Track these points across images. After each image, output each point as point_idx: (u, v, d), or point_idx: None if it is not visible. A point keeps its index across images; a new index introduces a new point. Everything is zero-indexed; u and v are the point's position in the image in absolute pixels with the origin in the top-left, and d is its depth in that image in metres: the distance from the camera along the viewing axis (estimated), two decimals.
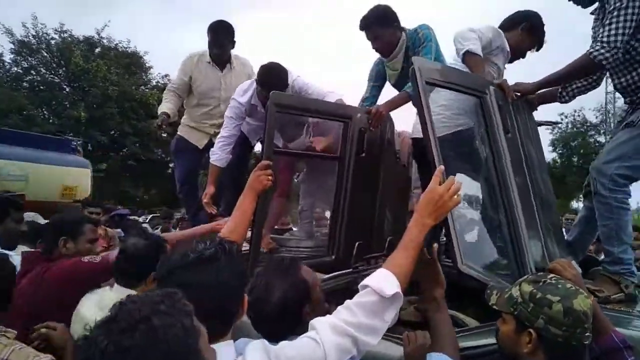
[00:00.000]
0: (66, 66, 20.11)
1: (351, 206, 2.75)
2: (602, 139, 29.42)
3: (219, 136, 3.19)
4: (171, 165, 24.65)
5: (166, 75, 23.54)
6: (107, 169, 19.32)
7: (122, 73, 20.95)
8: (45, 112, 20.05)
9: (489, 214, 2.32)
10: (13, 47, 19.14)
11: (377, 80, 3.20)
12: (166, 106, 3.64)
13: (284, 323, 1.34)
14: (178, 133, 3.86)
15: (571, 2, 2.39)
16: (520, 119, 2.45)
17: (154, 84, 23.03)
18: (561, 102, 2.65)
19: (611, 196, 2.14)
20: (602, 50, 2.10)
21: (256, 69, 3.15)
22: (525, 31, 2.65)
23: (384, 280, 1.28)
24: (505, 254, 2.07)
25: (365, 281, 1.28)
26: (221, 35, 3.58)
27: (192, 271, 1.07)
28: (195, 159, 3.81)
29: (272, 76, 2.89)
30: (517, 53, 2.70)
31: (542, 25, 2.69)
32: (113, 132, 20.64)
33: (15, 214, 2.64)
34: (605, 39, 2.10)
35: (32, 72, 20.15)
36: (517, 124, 2.37)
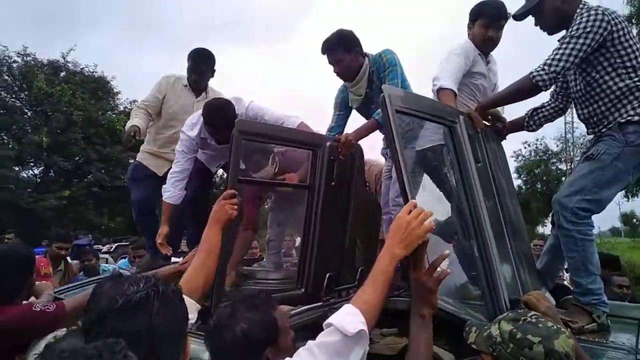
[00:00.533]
0: (28, 90, 19.50)
1: (321, 236, 2.66)
2: (562, 166, 30.74)
3: (170, 172, 3.08)
4: None
5: (134, 101, 23.19)
6: (70, 196, 18.59)
7: (88, 98, 20.45)
8: (4, 137, 19.25)
9: (461, 243, 2.28)
10: None
11: (343, 108, 3.19)
12: (136, 120, 3.51)
13: (240, 358, 1.27)
14: (137, 159, 3.73)
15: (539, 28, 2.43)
16: (489, 148, 2.45)
17: (122, 109, 22.57)
18: (529, 131, 2.68)
19: (574, 229, 2.13)
20: (542, 73, 2.14)
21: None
22: (483, 27, 2.73)
23: (347, 318, 1.21)
24: (479, 286, 2.01)
25: (329, 319, 1.21)
26: (202, 63, 3.57)
27: (121, 318, 0.95)
28: (152, 187, 3.61)
29: (216, 115, 2.80)
30: (488, 45, 2.79)
31: (491, 7, 2.73)
32: (77, 158, 19.96)
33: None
34: (548, 62, 2.14)
35: None
36: (487, 153, 2.37)
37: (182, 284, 1.95)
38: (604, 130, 2.22)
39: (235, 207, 2.08)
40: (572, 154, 29.78)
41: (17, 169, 18.49)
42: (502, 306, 1.91)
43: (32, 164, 20.04)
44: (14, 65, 19.37)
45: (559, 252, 2.46)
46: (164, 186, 3.07)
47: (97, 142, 19.93)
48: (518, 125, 2.68)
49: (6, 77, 19.31)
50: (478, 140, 2.32)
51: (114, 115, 21.22)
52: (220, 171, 3.77)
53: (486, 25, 2.72)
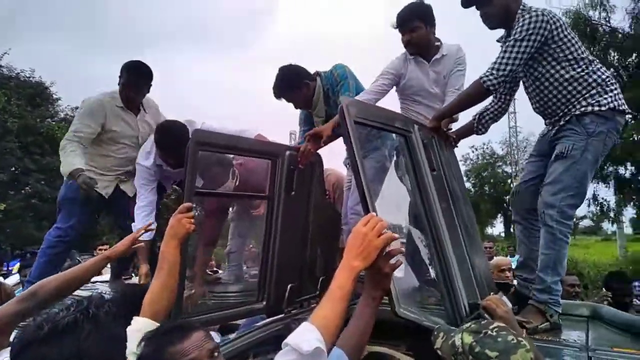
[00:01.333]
0: None
1: (281, 247, 2.63)
2: (508, 169, 32.35)
3: (136, 207, 2.95)
4: None
5: (76, 108, 22.04)
6: (6, 210, 17.34)
7: (24, 104, 19.23)
8: None
9: (419, 251, 2.33)
10: None
11: (307, 124, 3.22)
12: (78, 161, 3.01)
13: None
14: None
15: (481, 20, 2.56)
16: (442, 155, 2.53)
17: (62, 116, 21.41)
18: (478, 134, 2.81)
19: (557, 228, 2.27)
20: (491, 77, 2.29)
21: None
22: (430, 27, 2.85)
23: (303, 336, 1.19)
24: (438, 292, 2.06)
25: (287, 339, 1.19)
26: (140, 79, 3.24)
27: (48, 345, 0.90)
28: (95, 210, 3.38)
29: (168, 138, 2.81)
30: (410, 49, 2.90)
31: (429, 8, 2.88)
32: (14, 168, 18.68)
33: None
34: (496, 66, 2.29)
35: None
36: (441, 161, 2.44)
37: (145, 307, 1.85)
38: (561, 122, 2.38)
39: (192, 220, 2.02)
40: (516, 156, 31.47)
41: None
42: (461, 311, 1.97)
43: None
44: None
45: (531, 239, 2.60)
46: (133, 224, 2.90)
47: (35, 152, 18.76)
48: (468, 130, 2.81)
49: None
50: (432, 148, 2.39)
51: (53, 123, 20.07)
52: None
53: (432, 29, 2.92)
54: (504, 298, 1.95)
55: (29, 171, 18.47)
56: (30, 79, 20.46)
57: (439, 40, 2.93)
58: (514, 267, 3.33)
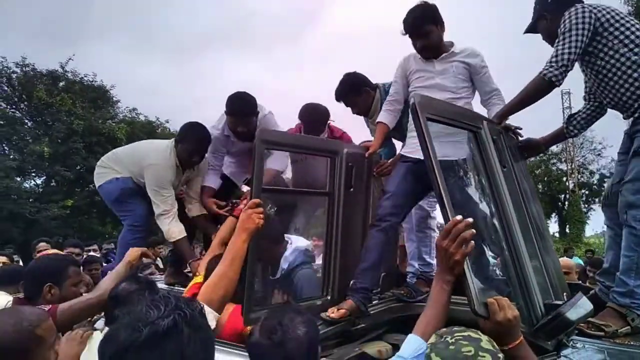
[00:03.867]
0: (28, 100, 19.51)
1: (343, 242, 2.64)
2: (563, 166, 30.84)
3: (207, 171, 3.25)
4: None
5: (134, 109, 23.22)
6: (73, 206, 18.54)
7: (88, 107, 20.46)
8: (5, 147, 19.22)
9: (492, 249, 2.26)
10: None
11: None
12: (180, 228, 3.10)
13: None
14: (123, 175, 3.17)
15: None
16: (510, 152, 2.44)
17: (121, 117, 22.59)
18: (570, 137, 2.74)
19: None
20: (551, 69, 2.24)
21: None
22: (439, 25, 2.74)
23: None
24: (512, 291, 1.99)
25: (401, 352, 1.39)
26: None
27: (149, 349, 0.81)
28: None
29: (242, 104, 2.97)
30: (422, 53, 2.79)
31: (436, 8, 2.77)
32: (79, 167, 19.93)
33: (75, 275, 2.30)
34: (554, 59, 2.26)
35: None
36: (510, 157, 2.35)
37: (202, 292, 1.93)
38: (636, 114, 2.28)
39: (262, 216, 2.07)
40: (572, 153, 29.92)
41: (19, 179, 18.43)
42: (537, 311, 1.89)
43: (33, 174, 19.99)
44: (13, 75, 19.37)
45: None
46: (205, 177, 3.23)
47: (98, 151, 19.88)
48: (557, 137, 2.74)
49: (6, 88, 19.33)
50: (501, 145, 2.31)
51: (114, 124, 21.21)
52: None
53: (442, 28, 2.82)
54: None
55: (92, 169, 19.53)
56: (93, 82, 21.70)
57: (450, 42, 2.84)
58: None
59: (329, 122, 3.22)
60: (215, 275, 1.97)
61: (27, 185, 19.61)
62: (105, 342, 0.86)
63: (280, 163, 3.02)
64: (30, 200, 18.19)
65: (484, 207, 2.11)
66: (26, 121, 20.20)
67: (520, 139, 2.62)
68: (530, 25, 2.63)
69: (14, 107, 19.89)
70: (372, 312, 2.79)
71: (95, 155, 19.73)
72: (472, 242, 1.55)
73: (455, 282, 1.58)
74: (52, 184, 20.27)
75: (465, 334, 1.24)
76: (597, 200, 29.28)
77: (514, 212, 2.10)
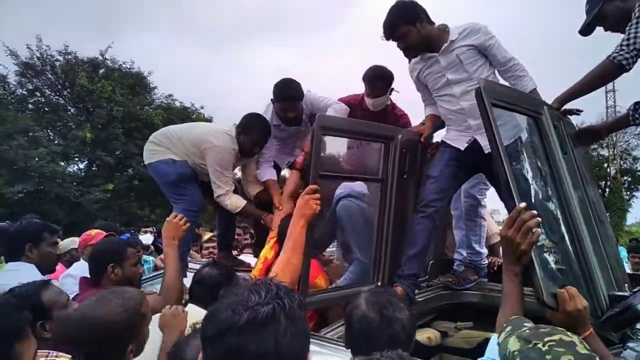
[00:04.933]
0: (71, 87, 20.21)
1: (394, 229, 2.66)
2: (604, 152, 29.61)
3: (260, 163, 3.30)
4: None
5: (170, 95, 23.67)
6: (113, 189, 19.24)
7: (126, 93, 21.01)
8: (50, 133, 20.06)
9: (553, 238, 2.23)
10: (17, 69, 19.19)
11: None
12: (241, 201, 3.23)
13: None
14: (178, 157, 3.15)
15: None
16: (570, 138, 2.38)
17: (158, 103, 23.08)
18: (635, 125, 2.61)
19: None
20: (622, 53, 2.16)
21: None
22: (419, 22, 2.61)
23: None
24: (575, 281, 1.96)
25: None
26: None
27: (246, 335, 0.81)
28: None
29: (292, 89, 3.01)
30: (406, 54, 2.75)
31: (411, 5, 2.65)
32: (118, 152, 20.61)
33: (50, 238, 2.65)
34: (625, 43, 2.18)
35: (37, 93, 20.21)
36: (570, 143, 2.30)
37: None
38: None
39: (319, 202, 2.10)
40: (614, 139, 28.66)
41: (63, 164, 19.23)
42: (601, 302, 1.87)
43: (76, 158, 20.80)
44: (57, 64, 20.06)
45: None
46: (258, 172, 3.26)
47: (136, 137, 20.49)
48: (620, 123, 2.65)
49: (50, 76, 20.06)
50: (562, 131, 2.26)
51: (151, 110, 21.73)
52: None
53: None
54: None
55: (132, 155, 20.24)
56: (131, 69, 22.25)
57: (445, 26, 2.67)
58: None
59: (392, 88, 3.16)
60: (279, 264, 2.02)
61: (71, 170, 20.45)
62: (207, 321, 0.88)
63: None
64: (74, 184, 18.97)
65: (545, 194, 2.08)
66: (69, 108, 20.96)
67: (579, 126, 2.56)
68: (589, 21, 2.47)
69: (57, 94, 20.65)
70: (420, 299, 2.82)
71: (133, 140, 20.37)
72: (538, 230, 1.54)
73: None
74: (93, 169, 21.05)
75: (557, 337, 1.07)
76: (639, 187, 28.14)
77: (575, 199, 2.07)
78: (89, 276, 2.42)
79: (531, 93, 2.50)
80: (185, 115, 22.86)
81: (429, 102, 2.98)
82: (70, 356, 1.49)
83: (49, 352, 1.47)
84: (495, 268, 3.37)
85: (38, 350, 1.38)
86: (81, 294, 2.15)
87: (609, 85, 26.33)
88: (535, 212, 1.55)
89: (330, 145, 2.88)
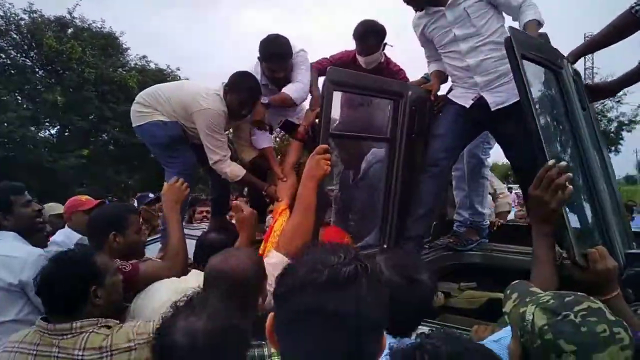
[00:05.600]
0: (38, 48, 19.06)
1: (403, 191, 2.59)
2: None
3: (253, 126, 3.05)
4: None
5: (144, 57, 22.70)
6: (89, 155, 18.64)
7: (97, 55, 20.01)
8: (18, 97, 19.06)
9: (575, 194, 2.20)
10: None
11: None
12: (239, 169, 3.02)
13: None
14: (170, 119, 2.94)
15: None
16: (587, 95, 2.32)
17: (132, 65, 22.14)
18: None
19: None
20: None
21: None
22: None
23: None
24: (598, 239, 1.94)
25: None
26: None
27: (326, 292, 0.76)
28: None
29: (279, 46, 2.80)
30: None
31: None
32: (92, 116, 19.83)
33: (18, 199, 2.31)
34: None
35: (2, 55, 19.04)
36: (588, 99, 2.24)
37: (280, 246, 1.91)
38: None
39: (329, 162, 2.01)
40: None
41: (33, 129, 18.41)
42: (619, 260, 1.85)
43: (47, 123, 19.94)
44: (21, 22, 18.84)
45: None
46: (254, 138, 3.07)
47: (110, 100, 19.71)
48: (632, 79, 2.53)
49: (15, 36, 18.86)
50: (580, 86, 2.19)
51: (124, 72, 20.84)
52: None
53: None
54: None
55: (106, 119, 19.54)
56: (102, 29, 21.12)
57: None
58: None
59: (385, 43, 3.01)
60: (290, 227, 1.96)
61: (42, 135, 19.62)
62: (283, 277, 0.83)
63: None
64: (46, 149, 18.27)
65: (564, 151, 2.02)
66: (37, 70, 19.86)
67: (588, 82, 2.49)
68: None
69: (24, 55, 19.49)
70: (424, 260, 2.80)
71: (107, 104, 19.61)
72: (570, 187, 1.49)
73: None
74: (66, 134, 20.28)
75: (585, 305, 0.99)
76: (613, 149, 28.72)
77: (595, 155, 2.02)
78: (80, 244, 2.31)
79: (529, 24, 2.35)
80: (161, 77, 22.00)
81: (433, 58, 2.88)
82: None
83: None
84: (495, 228, 3.38)
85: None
86: None
87: None
88: (564, 164, 1.49)
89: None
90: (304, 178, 2.01)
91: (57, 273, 1.48)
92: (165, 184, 2.42)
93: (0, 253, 1.99)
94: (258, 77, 2.91)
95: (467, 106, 2.63)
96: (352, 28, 2.99)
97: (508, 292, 1.19)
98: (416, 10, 2.70)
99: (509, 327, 1.15)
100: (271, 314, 0.84)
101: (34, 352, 1.39)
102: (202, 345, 1.10)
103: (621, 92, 27.41)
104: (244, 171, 2.95)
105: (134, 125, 3.05)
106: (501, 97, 2.53)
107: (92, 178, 19.24)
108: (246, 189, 4.22)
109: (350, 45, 3.08)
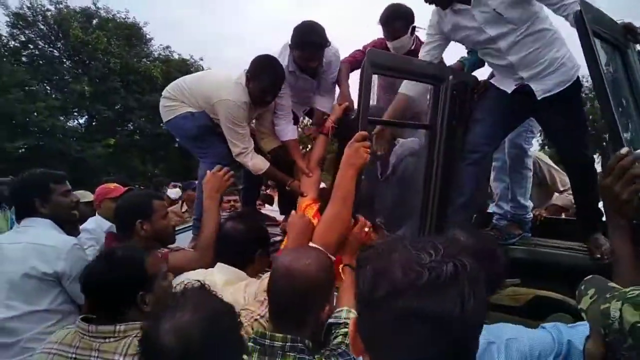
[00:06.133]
0: (64, 39, 19.42)
1: (443, 181, 2.44)
2: None
3: (276, 117, 2.90)
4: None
5: (167, 47, 22.87)
6: (115, 144, 18.96)
7: (122, 45, 20.25)
8: (47, 87, 19.48)
9: None
10: (8, 19, 18.37)
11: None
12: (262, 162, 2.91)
13: None
14: (196, 110, 2.87)
15: None
16: None
17: (156, 56, 22.33)
18: None
19: None
20: None
21: None
22: None
23: None
24: None
25: None
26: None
27: (427, 296, 0.70)
28: None
29: (316, 35, 2.62)
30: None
31: None
32: (118, 106, 20.13)
33: (58, 187, 2.21)
34: None
35: (30, 45, 19.45)
36: None
37: (316, 238, 1.80)
38: None
39: (369, 150, 1.88)
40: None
41: (62, 118, 18.82)
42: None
43: (75, 113, 20.35)
44: (48, 13, 19.19)
45: None
46: (277, 128, 2.90)
47: (136, 90, 19.95)
48: None
49: (42, 27, 19.23)
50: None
51: (149, 62, 21.04)
52: None
53: None
54: None
55: (131, 109, 19.80)
56: (126, 19, 21.35)
57: None
58: None
59: (414, 26, 2.83)
60: (327, 218, 1.84)
61: (71, 125, 20.04)
62: (375, 281, 0.74)
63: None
64: (74, 139, 18.65)
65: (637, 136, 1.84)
66: (64, 60, 20.24)
67: None
68: None
69: (51, 45, 19.89)
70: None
71: (133, 94, 19.88)
72: None
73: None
74: (93, 123, 20.67)
75: None
76: None
77: None
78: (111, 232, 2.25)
79: None
80: (184, 67, 22.17)
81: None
82: None
83: None
84: (538, 222, 3.19)
85: None
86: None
87: None
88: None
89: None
90: (342, 166, 1.89)
91: (105, 274, 1.41)
92: (207, 172, 2.36)
93: (35, 241, 1.94)
94: (284, 62, 2.77)
95: (509, 91, 2.45)
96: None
97: (582, 287, 1.11)
98: (442, 8, 2.40)
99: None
100: (353, 320, 0.80)
101: (73, 356, 1.32)
102: (191, 341, 1.04)
103: None
104: (268, 164, 2.84)
105: (164, 120, 2.97)
106: (548, 85, 2.34)
107: (119, 167, 19.59)
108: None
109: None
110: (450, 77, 2.37)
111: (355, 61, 2.86)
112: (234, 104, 2.64)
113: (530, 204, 3.12)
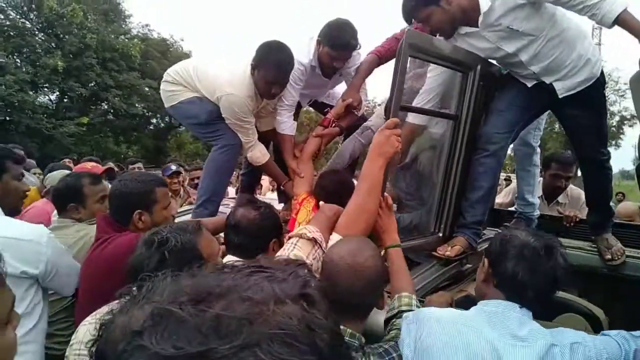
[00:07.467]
0: (38, 10, 18.44)
1: (462, 173, 2.35)
2: None
3: (280, 105, 2.73)
4: (153, 121, 23.42)
5: (146, 25, 22.14)
6: (89, 123, 18.23)
7: (99, 20, 19.44)
8: (17, 60, 18.48)
9: None
10: None
11: None
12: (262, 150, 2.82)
13: None
14: (203, 96, 2.70)
15: None
16: None
17: (135, 33, 21.57)
18: None
19: None
20: None
21: None
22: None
23: None
24: None
25: None
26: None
27: (540, 256, 1.22)
28: None
29: (352, 37, 2.51)
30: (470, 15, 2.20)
31: None
32: (92, 84, 19.33)
33: (14, 169, 1.98)
34: None
35: (1, 15, 18.40)
36: None
37: (339, 229, 1.68)
38: None
39: (400, 138, 1.76)
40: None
41: (32, 93, 17.93)
42: None
43: (46, 88, 19.43)
44: None
45: None
46: (278, 118, 2.74)
47: (112, 68, 19.20)
48: None
49: None
50: None
51: (127, 40, 20.27)
52: None
53: None
54: None
55: (107, 87, 19.07)
56: None
57: None
58: None
59: None
60: (353, 209, 1.70)
61: (42, 100, 19.14)
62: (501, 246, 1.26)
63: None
64: (45, 115, 17.83)
65: None
66: (36, 32, 19.24)
67: None
68: None
69: (23, 16, 18.85)
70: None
71: (109, 72, 19.12)
72: None
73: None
74: (65, 100, 19.81)
75: None
76: (613, 143, 28.48)
77: None
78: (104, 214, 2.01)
79: (623, 15, 1.90)
80: (164, 47, 21.57)
81: None
82: None
83: None
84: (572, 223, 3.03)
85: None
86: (100, 234, 1.77)
87: (595, 38, 25.76)
88: None
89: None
90: (370, 154, 1.76)
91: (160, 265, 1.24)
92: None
93: (4, 234, 1.58)
94: (309, 56, 2.62)
95: (529, 85, 2.37)
96: None
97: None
98: (445, 38, 2.26)
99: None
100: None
101: None
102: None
103: (625, 86, 27.11)
104: (267, 158, 2.74)
105: (166, 106, 2.78)
106: (573, 83, 2.27)
107: (91, 147, 18.89)
108: None
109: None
110: (479, 66, 2.27)
111: (386, 52, 2.68)
112: (237, 98, 2.49)
113: (537, 201, 3.08)
